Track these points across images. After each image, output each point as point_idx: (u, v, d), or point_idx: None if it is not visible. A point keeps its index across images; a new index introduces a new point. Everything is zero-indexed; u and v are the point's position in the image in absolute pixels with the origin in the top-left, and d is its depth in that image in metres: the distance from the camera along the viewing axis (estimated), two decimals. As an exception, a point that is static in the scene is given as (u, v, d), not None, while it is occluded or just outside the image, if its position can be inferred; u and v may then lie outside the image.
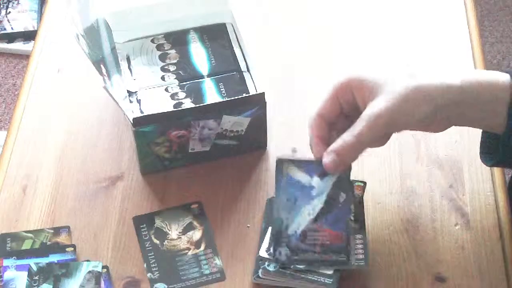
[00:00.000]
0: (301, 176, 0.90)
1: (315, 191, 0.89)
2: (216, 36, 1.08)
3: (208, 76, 1.04)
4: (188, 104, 1.00)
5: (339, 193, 0.89)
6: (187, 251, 0.95)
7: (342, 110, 0.89)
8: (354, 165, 0.90)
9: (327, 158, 0.86)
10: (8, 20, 2.40)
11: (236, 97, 0.98)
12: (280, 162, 0.90)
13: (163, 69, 1.04)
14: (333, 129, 0.89)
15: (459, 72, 0.86)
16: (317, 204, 0.89)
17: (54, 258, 0.94)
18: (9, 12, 2.41)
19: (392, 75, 0.85)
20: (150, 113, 0.96)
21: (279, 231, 0.90)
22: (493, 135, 0.90)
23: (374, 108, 0.84)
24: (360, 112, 0.86)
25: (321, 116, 0.88)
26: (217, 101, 0.99)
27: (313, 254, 0.89)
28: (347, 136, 0.85)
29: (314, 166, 0.89)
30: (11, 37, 2.37)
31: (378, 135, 0.85)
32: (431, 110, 0.84)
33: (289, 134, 1.06)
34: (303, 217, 0.90)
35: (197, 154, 1.01)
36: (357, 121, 0.85)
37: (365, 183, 0.96)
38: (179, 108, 0.99)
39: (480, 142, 0.94)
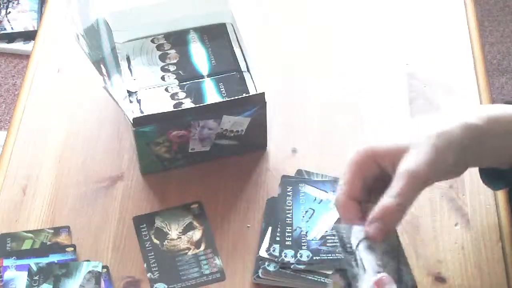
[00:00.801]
0: (317, 193, 0.95)
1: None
2: (216, 36, 1.08)
3: (208, 76, 1.04)
4: (188, 104, 1.00)
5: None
6: (187, 251, 0.95)
7: (365, 182, 0.81)
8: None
9: (370, 228, 0.78)
10: (8, 20, 2.40)
11: (236, 97, 0.98)
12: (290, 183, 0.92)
13: (163, 69, 1.04)
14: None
15: (471, 110, 0.82)
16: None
17: (54, 258, 0.94)
18: (9, 12, 2.41)
19: (409, 128, 0.81)
20: (150, 113, 0.96)
21: (299, 237, 0.91)
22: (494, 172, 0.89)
23: (409, 163, 0.77)
24: (385, 181, 0.79)
25: (350, 197, 0.80)
26: (217, 101, 0.99)
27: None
28: (387, 200, 0.77)
29: (328, 184, 0.93)
30: (11, 37, 2.37)
31: (418, 191, 0.78)
32: (458, 152, 0.79)
33: (289, 134, 1.06)
34: (323, 226, 0.93)
35: (197, 154, 1.01)
36: (393, 181, 0.77)
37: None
38: (179, 108, 0.99)
39: (479, 171, 0.92)
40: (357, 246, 0.80)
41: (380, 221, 0.77)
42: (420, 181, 0.77)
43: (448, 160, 0.79)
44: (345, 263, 0.80)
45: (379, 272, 0.77)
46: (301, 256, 0.90)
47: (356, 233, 0.80)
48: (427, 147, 0.78)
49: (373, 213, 0.77)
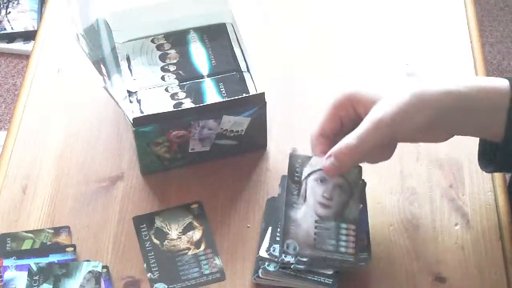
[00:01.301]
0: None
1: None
2: (216, 36, 1.08)
3: (208, 76, 1.04)
4: (188, 104, 1.00)
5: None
6: (187, 251, 0.95)
7: (343, 126, 0.88)
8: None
9: (326, 162, 0.86)
10: (8, 20, 2.40)
11: (236, 97, 0.98)
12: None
13: (163, 69, 1.04)
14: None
15: (458, 78, 0.86)
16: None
17: (54, 258, 0.94)
18: (9, 12, 2.41)
19: (392, 83, 0.85)
20: (150, 113, 0.96)
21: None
22: (491, 143, 0.90)
23: (376, 111, 0.84)
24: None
25: (322, 135, 0.88)
26: (217, 101, 0.99)
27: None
28: (348, 139, 0.84)
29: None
30: (11, 37, 2.37)
31: (380, 139, 0.84)
32: (432, 115, 0.83)
33: (289, 134, 1.06)
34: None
35: (197, 154, 1.01)
36: (360, 125, 0.84)
37: (365, 182, 0.96)
38: (179, 108, 0.99)
39: (478, 150, 0.94)
40: (307, 176, 0.89)
41: (334, 157, 0.84)
42: (381, 130, 0.83)
43: (417, 119, 0.83)
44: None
45: (320, 203, 0.88)
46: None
47: (313, 164, 0.89)
48: (398, 101, 0.83)
49: (332, 148, 0.85)
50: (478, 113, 0.85)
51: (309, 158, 0.90)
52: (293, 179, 0.90)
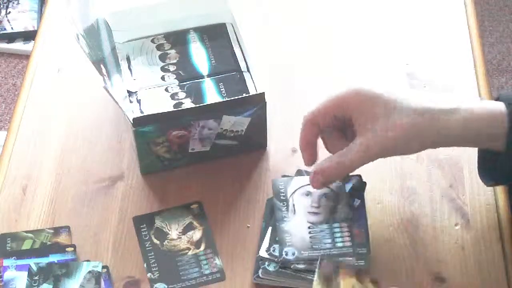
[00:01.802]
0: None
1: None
2: (216, 36, 1.08)
3: (208, 76, 1.04)
4: (188, 104, 1.00)
5: (353, 199, 0.94)
6: (187, 251, 0.95)
7: (335, 118, 0.90)
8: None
9: (313, 177, 0.91)
10: (8, 20, 2.40)
11: (236, 97, 0.98)
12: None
13: (163, 69, 1.04)
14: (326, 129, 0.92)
15: (456, 104, 0.86)
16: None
17: (54, 258, 0.94)
18: (9, 12, 2.41)
19: (392, 102, 0.86)
20: (150, 113, 0.96)
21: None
22: (490, 160, 0.91)
23: (367, 140, 0.86)
24: (351, 126, 0.89)
25: (313, 122, 0.91)
26: (217, 101, 0.99)
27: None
28: (336, 161, 0.89)
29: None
30: (11, 37, 2.37)
31: (367, 163, 0.88)
32: (425, 146, 0.88)
33: (289, 134, 1.06)
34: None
35: (197, 154, 1.01)
36: (349, 147, 0.88)
37: (365, 182, 0.96)
38: (179, 108, 0.99)
39: (477, 163, 0.94)
40: (292, 193, 0.95)
41: (321, 175, 0.90)
42: (370, 156, 0.87)
43: (412, 147, 0.88)
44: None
45: (310, 212, 0.93)
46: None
47: (295, 184, 0.96)
48: (393, 131, 0.85)
49: (321, 165, 0.90)
50: (474, 142, 0.89)
51: (291, 178, 0.96)
52: (279, 198, 0.95)
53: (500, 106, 0.86)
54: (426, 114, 0.85)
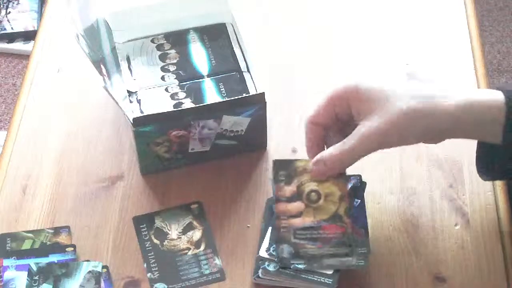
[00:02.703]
0: None
1: None
2: (216, 36, 1.08)
3: (208, 76, 1.04)
4: (188, 104, 1.00)
5: (353, 199, 0.94)
6: (187, 251, 0.95)
7: (337, 116, 0.90)
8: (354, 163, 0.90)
9: (315, 165, 0.89)
10: (8, 20, 2.40)
11: (236, 97, 0.98)
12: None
13: (163, 69, 1.05)
14: (329, 130, 0.91)
15: (454, 92, 0.86)
16: None
17: (54, 258, 0.94)
18: (9, 12, 2.41)
19: (390, 91, 0.86)
20: (150, 113, 0.96)
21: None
22: (489, 153, 0.91)
23: (368, 127, 0.85)
24: (354, 121, 0.88)
25: (315, 123, 0.90)
26: (217, 101, 0.99)
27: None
28: (338, 149, 0.87)
29: None
30: (11, 37, 2.37)
31: (369, 152, 0.87)
32: (424, 133, 0.86)
33: (289, 134, 1.06)
34: None
35: (197, 154, 1.01)
36: (350, 136, 0.87)
37: (364, 183, 0.96)
38: (179, 108, 0.99)
39: (475, 158, 0.94)
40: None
41: (323, 163, 0.88)
42: (371, 144, 0.86)
43: (412, 134, 0.86)
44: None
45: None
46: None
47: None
48: (393, 118, 0.85)
49: (322, 154, 0.89)
50: (472, 129, 0.87)
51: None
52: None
53: (498, 95, 0.85)
54: (425, 100, 0.85)
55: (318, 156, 0.89)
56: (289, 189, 0.92)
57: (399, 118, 0.84)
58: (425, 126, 0.85)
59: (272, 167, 0.94)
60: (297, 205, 0.92)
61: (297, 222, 0.91)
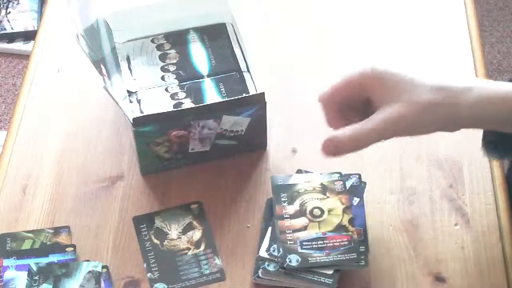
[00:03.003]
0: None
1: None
2: (216, 36, 1.08)
3: (208, 76, 1.04)
4: (188, 104, 1.00)
5: (352, 197, 0.94)
6: (187, 251, 0.95)
7: (348, 101, 0.87)
8: (354, 163, 0.90)
9: (325, 144, 0.86)
10: (8, 20, 2.40)
11: (236, 97, 0.98)
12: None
13: (163, 69, 1.04)
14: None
15: (474, 82, 0.83)
16: None
17: (54, 258, 0.94)
18: (9, 12, 2.41)
19: (415, 79, 0.83)
20: (150, 113, 0.96)
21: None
22: (494, 133, 0.89)
23: (389, 113, 0.83)
24: (369, 108, 0.85)
25: (327, 100, 0.88)
26: (217, 101, 0.99)
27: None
28: (353, 132, 0.84)
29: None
30: (11, 37, 2.37)
31: (383, 138, 0.84)
32: (445, 123, 0.83)
33: (289, 134, 1.06)
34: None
35: (197, 154, 1.01)
36: (367, 120, 0.84)
37: (364, 183, 0.96)
38: (179, 108, 0.99)
39: (482, 136, 0.93)
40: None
41: (335, 144, 0.85)
42: (389, 132, 0.83)
43: (434, 125, 0.83)
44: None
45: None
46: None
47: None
48: (416, 108, 0.82)
49: (336, 135, 0.85)
50: (491, 122, 0.84)
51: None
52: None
53: None
54: (443, 91, 0.83)
55: (331, 136, 0.85)
56: (292, 208, 0.93)
57: (418, 109, 0.82)
58: (447, 116, 0.83)
59: (272, 190, 0.95)
60: (301, 221, 0.93)
61: (303, 234, 0.92)
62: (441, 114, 0.83)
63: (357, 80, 0.86)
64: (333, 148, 0.85)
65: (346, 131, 0.85)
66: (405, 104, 0.82)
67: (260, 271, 0.90)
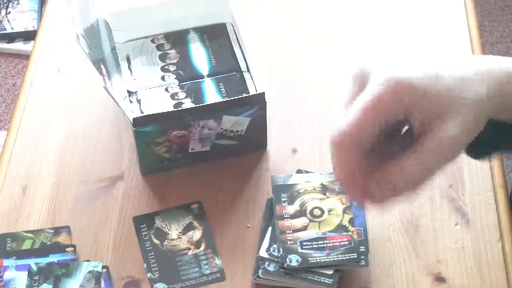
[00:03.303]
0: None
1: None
2: (216, 36, 1.08)
3: (208, 76, 1.04)
4: (188, 104, 1.00)
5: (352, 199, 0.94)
6: (187, 251, 0.95)
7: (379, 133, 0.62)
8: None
9: (372, 190, 0.63)
10: (8, 20, 2.39)
11: (236, 97, 0.98)
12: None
13: (163, 69, 1.04)
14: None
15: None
16: None
17: (54, 258, 0.94)
18: (9, 12, 2.41)
19: (457, 89, 0.63)
20: (150, 113, 0.96)
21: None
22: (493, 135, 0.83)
23: (440, 135, 0.61)
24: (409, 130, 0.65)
25: (357, 144, 0.62)
26: (217, 101, 0.99)
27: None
28: (413, 158, 0.62)
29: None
30: (11, 37, 2.37)
31: (446, 163, 0.63)
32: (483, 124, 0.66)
33: (289, 134, 1.06)
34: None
35: (197, 154, 1.01)
36: (420, 146, 0.61)
37: None
38: (179, 108, 0.99)
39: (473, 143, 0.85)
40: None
41: (392, 187, 0.62)
42: (446, 154, 0.62)
43: (478, 129, 0.65)
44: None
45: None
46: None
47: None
48: (469, 121, 0.62)
49: (380, 173, 0.61)
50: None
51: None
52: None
53: None
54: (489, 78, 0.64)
55: (379, 177, 0.60)
56: (292, 208, 0.94)
57: (478, 123, 0.63)
58: (490, 112, 0.64)
59: (272, 190, 0.96)
60: (302, 221, 0.93)
61: (303, 234, 0.92)
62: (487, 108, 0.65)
63: (388, 97, 0.62)
64: (388, 193, 0.62)
65: (393, 166, 0.62)
66: (462, 122, 0.63)
67: (260, 271, 0.90)
